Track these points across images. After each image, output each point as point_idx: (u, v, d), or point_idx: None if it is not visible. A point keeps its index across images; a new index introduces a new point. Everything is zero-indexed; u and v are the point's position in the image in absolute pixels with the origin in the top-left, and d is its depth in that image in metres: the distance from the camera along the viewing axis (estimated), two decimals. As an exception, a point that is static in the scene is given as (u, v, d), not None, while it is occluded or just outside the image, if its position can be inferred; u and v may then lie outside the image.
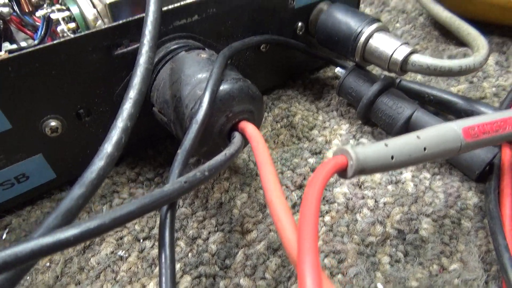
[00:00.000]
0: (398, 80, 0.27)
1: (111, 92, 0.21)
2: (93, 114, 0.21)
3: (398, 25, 0.37)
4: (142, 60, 0.18)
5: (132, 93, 0.16)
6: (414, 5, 0.39)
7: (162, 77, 0.20)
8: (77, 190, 0.14)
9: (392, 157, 0.14)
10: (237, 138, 0.18)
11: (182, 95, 0.19)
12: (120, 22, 0.20)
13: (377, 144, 0.14)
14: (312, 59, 0.30)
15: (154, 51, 0.18)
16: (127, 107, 0.16)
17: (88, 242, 0.20)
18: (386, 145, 0.14)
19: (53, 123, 0.20)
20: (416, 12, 0.38)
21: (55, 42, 0.18)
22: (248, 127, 0.18)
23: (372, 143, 0.14)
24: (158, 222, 0.21)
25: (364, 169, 0.14)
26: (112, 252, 0.19)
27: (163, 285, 0.13)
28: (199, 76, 0.19)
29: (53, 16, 0.25)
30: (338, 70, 0.27)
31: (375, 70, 0.30)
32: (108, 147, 0.15)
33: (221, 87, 0.18)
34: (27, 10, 0.31)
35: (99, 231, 0.12)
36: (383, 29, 0.25)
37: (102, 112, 0.22)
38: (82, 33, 0.19)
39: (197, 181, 0.15)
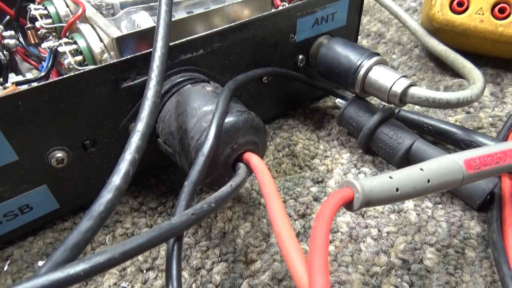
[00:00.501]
0: (397, 111, 0.27)
1: (117, 123, 0.22)
2: (98, 145, 0.22)
3: (394, 56, 0.38)
4: (150, 94, 0.18)
5: (140, 126, 0.17)
6: (409, 37, 0.41)
7: (168, 109, 0.21)
8: (86, 223, 0.14)
9: (397, 189, 0.14)
10: (242, 169, 0.18)
11: (188, 127, 0.19)
12: (129, 57, 0.20)
13: (381, 177, 0.15)
14: (313, 89, 0.31)
15: (161, 85, 0.19)
16: (135, 140, 0.16)
17: (91, 274, 0.20)
18: (390, 177, 0.15)
19: (59, 154, 0.20)
20: (412, 44, 0.39)
21: (65, 76, 0.19)
22: (253, 159, 0.18)
23: (376, 175, 0.15)
24: (161, 252, 0.21)
25: (370, 202, 0.14)
26: (115, 284, 0.19)
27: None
28: (205, 108, 0.20)
29: (61, 49, 0.26)
30: (338, 101, 0.28)
31: (374, 101, 0.31)
32: (117, 179, 0.15)
33: (227, 120, 0.19)
34: (33, 42, 0.32)
35: (109, 265, 0.12)
36: (382, 62, 0.26)
37: (107, 143, 0.22)
38: (92, 67, 0.20)
39: (204, 213, 0.15)
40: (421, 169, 0.15)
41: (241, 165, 0.19)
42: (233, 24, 0.24)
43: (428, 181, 0.15)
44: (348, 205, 0.14)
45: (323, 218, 0.12)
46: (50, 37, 0.30)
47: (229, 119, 0.19)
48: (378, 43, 0.41)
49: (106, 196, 0.14)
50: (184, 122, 0.19)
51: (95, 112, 0.21)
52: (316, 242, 0.11)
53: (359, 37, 0.41)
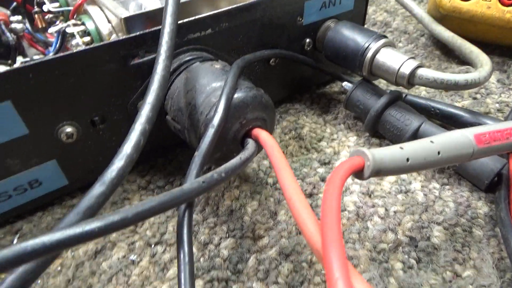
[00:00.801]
0: (404, 95, 0.27)
1: (125, 101, 0.22)
2: (107, 121, 0.22)
3: (400, 44, 0.38)
4: (159, 68, 0.18)
5: (150, 98, 0.17)
6: (415, 26, 0.40)
7: (176, 86, 0.21)
8: (98, 188, 0.14)
9: (407, 160, 0.14)
10: (250, 144, 0.18)
11: (197, 102, 0.19)
12: (138, 33, 0.20)
13: (392, 147, 0.15)
14: (319, 74, 0.31)
15: (170, 60, 0.19)
16: (145, 111, 0.16)
17: (99, 247, 0.20)
18: (401, 148, 0.15)
19: (68, 129, 0.20)
20: (418, 33, 0.39)
21: (75, 51, 0.19)
22: (262, 134, 0.18)
23: (386, 146, 0.15)
24: (169, 228, 0.21)
25: (381, 170, 0.14)
26: (123, 257, 0.19)
27: (182, 281, 0.13)
28: (214, 85, 0.20)
29: (69, 30, 0.26)
30: (345, 84, 0.28)
31: (381, 85, 0.31)
32: (128, 148, 0.15)
33: (236, 95, 0.19)
34: (40, 26, 0.32)
35: (122, 225, 0.12)
36: (390, 44, 0.26)
37: (116, 120, 0.22)
38: (101, 43, 0.20)
39: (214, 182, 0.15)
40: (431, 141, 0.15)
41: (250, 140, 0.19)
42: (241, 4, 0.24)
43: (439, 153, 0.15)
44: (359, 174, 0.14)
45: (335, 181, 0.12)
46: (57, 22, 0.30)
47: (238, 95, 0.19)
48: (384, 32, 0.40)
49: (118, 163, 0.14)
50: (193, 98, 0.19)
51: (104, 89, 0.21)
52: (328, 203, 0.11)
53: (365, 26, 0.41)
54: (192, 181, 0.15)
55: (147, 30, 0.21)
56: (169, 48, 0.19)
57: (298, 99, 0.31)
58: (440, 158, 0.15)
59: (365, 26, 0.42)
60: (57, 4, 0.30)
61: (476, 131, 0.16)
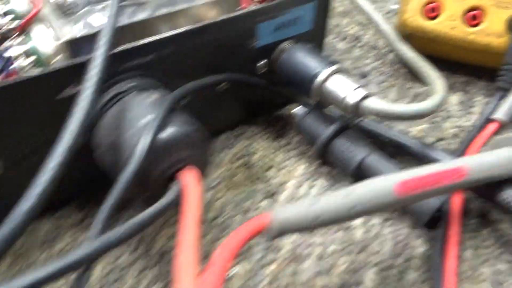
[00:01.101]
0: (359, 120, 0.26)
1: (53, 137, 0.21)
2: (33, 159, 0.21)
3: (368, 61, 0.37)
4: (81, 105, 0.17)
5: (66, 139, 0.16)
6: (386, 41, 0.40)
7: (106, 120, 0.20)
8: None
9: (316, 217, 0.14)
10: (171, 190, 0.17)
11: (121, 141, 0.18)
12: (64, 66, 0.19)
13: (301, 204, 0.14)
14: (276, 95, 0.30)
15: (97, 95, 0.18)
16: (56, 156, 0.16)
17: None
18: (311, 204, 0.14)
19: (-9, 165, 0.19)
20: (387, 49, 0.38)
21: (-7, 85, 0.18)
22: (185, 178, 0.17)
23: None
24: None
25: (286, 231, 0.13)
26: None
27: None
28: (143, 121, 0.19)
29: (10, 53, 0.25)
30: (297, 109, 0.27)
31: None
32: (22, 208, 0.14)
33: (163, 134, 0.18)
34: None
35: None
36: (341, 71, 0.25)
37: (43, 158, 0.21)
38: (23, 77, 0.19)
39: (111, 244, 0.14)
40: (346, 195, 0.14)
41: (173, 185, 0.18)
42: (186, 28, 0.22)
43: (352, 207, 0.14)
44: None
45: (226, 249, 0.12)
46: (14, 36, 0.29)
47: (165, 133, 0.18)
48: (354, 46, 0.40)
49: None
50: (119, 135, 0.19)
51: (29, 124, 0.20)
52: (208, 276, 0.11)
53: (334, 40, 0.40)
54: (84, 245, 0.14)
55: (70, 62, 0.20)
56: (96, 81, 0.18)
57: (253, 121, 0.30)
58: (355, 213, 0.14)
59: (334, 40, 0.41)
60: (10, 17, 0.29)
61: (399, 178, 0.16)
